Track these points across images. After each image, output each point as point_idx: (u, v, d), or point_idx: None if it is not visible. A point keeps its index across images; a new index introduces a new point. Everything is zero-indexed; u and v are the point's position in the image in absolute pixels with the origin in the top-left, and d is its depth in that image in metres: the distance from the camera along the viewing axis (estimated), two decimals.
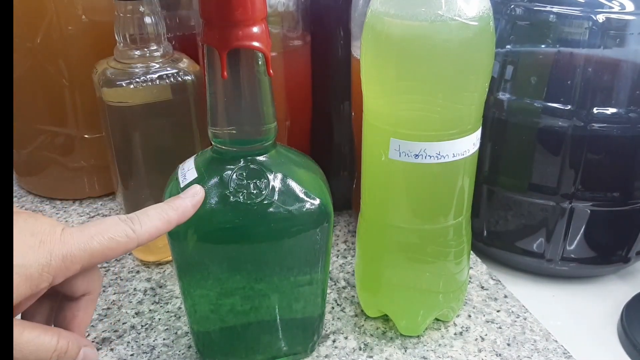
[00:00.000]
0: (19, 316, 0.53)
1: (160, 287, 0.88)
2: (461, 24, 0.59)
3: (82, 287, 0.56)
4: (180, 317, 0.81)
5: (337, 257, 0.95)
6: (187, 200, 0.58)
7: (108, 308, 0.83)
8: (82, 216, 1.06)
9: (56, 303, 0.58)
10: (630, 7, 0.78)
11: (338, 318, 0.81)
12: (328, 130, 1.00)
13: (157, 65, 0.81)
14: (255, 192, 0.61)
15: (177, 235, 0.62)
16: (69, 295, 0.57)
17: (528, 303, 0.84)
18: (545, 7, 0.80)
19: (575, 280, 0.94)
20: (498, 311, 0.83)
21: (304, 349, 0.74)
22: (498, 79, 0.85)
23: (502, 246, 0.95)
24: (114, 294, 0.86)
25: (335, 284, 0.88)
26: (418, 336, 0.78)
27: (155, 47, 0.81)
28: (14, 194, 1.13)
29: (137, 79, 0.79)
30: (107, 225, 0.52)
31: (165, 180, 0.67)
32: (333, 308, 0.83)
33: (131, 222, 0.53)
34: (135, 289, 0.87)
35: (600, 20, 0.77)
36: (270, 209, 0.61)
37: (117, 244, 0.51)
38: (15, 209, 0.52)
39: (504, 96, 0.85)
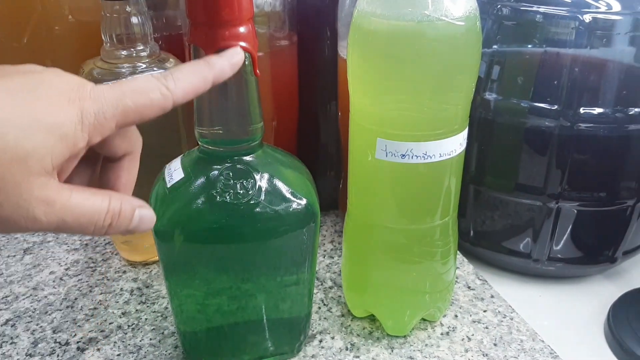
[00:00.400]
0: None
1: (147, 287, 0.88)
2: (448, 24, 0.59)
3: (122, 146, 0.55)
4: (166, 317, 0.81)
5: (324, 257, 0.95)
6: (224, 59, 0.55)
7: (94, 308, 0.83)
8: None
9: (97, 166, 0.57)
10: (616, 7, 0.78)
11: (325, 318, 0.81)
12: (315, 130, 1.00)
13: (144, 65, 0.81)
14: (242, 192, 0.61)
15: (163, 235, 0.62)
16: (110, 157, 0.56)
17: (515, 303, 0.85)
18: (531, 7, 0.81)
19: (562, 280, 0.95)
20: (485, 311, 0.83)
21: (291, 349, 0.74)
22: (485, 79, 0.85)
23: (489, 246, 0.95)
24: (101, 293, 0.86)
25: (321, 284, 0.88)
26: (405, 336, 0.78)
27: (142, 47, 0.81)
28: None
29: (124, 79, 0.79)
30: (140, 82, 0.50)
31: (151, 181, 0.66)
32: (320, 308, 0.83)
33: (164, 79, 0.51)
34: (121, 289, 0.87)
35: (587, 20, 0.77)
36: (257, 209, 0.61)
37: (151, 101, 0.49)
38: (40, 69, 0.50)
39: (490, 96, 0.85)
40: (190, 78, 0.52)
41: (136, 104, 0.48)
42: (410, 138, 0.64)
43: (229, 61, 0.55)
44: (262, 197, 0.61)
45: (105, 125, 0.48)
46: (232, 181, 0.61)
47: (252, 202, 0.61)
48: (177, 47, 0.91)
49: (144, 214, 0.53)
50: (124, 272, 0.91)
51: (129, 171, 0.57)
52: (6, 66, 0.49)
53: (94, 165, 0.57)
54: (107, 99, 0.47)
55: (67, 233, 0.52)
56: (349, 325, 0.80)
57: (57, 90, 0.47)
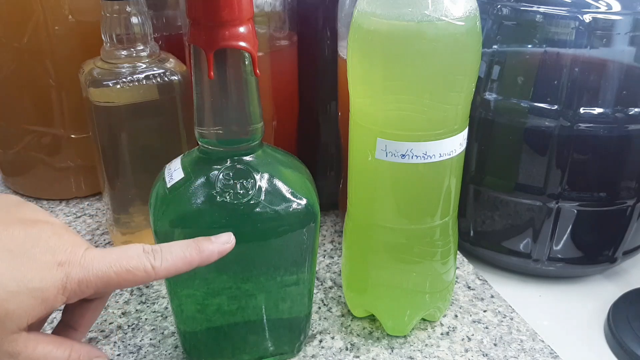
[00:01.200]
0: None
1: (147, 287, 0.87)
2: (448, 24, 0.59)
3: (99, 293, 0.56)
4: (167, 317, 0.81)
5: (324, 257, 0.95)
6: (215, 246, 0.56)
7: None
8: (68, 216, 1.06)
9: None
10: (616, 7, 0.78)
11: (325, 318, 0.81)
12: (315, 130, 1.00)
13: (144, 65, 0.81)
14: (241, 192, 0.61)
15: (163, 235, 0.62)
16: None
17: (515, 303, 0.85)
18: (531, 7, 0.81)
19: (562, 280, 0.95)
20: (485, 311, 0.83)
21: (291, 349, 0.74)
22: (485, 79, 0.85)
23: (489, 246, 0.95)
24: None
25: (321, 284, 0.88)
26: (405, 336, 0.78)
27: (142, 47, 0.81)
28: (0, 193, 1.13)
29: (124, 79, 0.79)
30: (129, 255, 0.51)
31: (151, 180, 0.66)
32: (320, 308, 0.83)
33: (153, 257, 0.52)
34: (121, 289, 0.87)
35: (587, 20, 0.77)
36: (257, 209, 0.61)
37: (133, 277, 0.51)
38: (42, 216, 0.52)
39: (490, 96, 0.85)
40: (177, 261, 0.54)
41: (119, 277, 0.50)
42: (410, 138, 0.64)
43: (218, 249, 0.57)
44: (262, 197, 0.61)
45: (85, 292, 0.50)
46: (232, 181, 0.61)
47: (252, 202, 0.61)
48: (177, 47, 0.91)
49: None
50: None
51: (94, 311, 0.59)
52: (11, 203, 0.54)
53: None
54: (94, 269, 0.50)
55: None
56: (349, 325, 0.80)
57: (51, 252, 0.49)
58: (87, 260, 0.49)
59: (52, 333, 0.58)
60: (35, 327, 0.52)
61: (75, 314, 0.58)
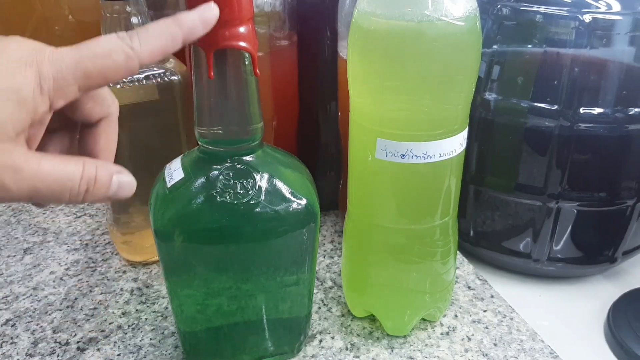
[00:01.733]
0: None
1: (147, 287, 0.88)
2: (448, 24, 0.59)
3: (96, 110, 0.54)
4: (167, 317, 0.81)
5: (324, 257, 0.95)
6: (195, 15, 0.52)
7: (95, 308, 0.83)
8: (68, 216, 1.06)
9: (75, 135, 0.56)
10: (616, 7, 0.78)
11: (325, 318, 0.81)
12: (315, 130, 1.00)
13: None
14: (241, 192, 0.61)
15: (163, 235, 0.62)
16: (86, 122, 0.54)
17: (515, 303, 0.85)
18: (531, 7, 0.81)
19: (562, 280, 0.95)
20: (485, 311, 0.83)
21: (291, 349, 0.74)
22: (485, 79, 0.85)
23: (489, 246, 0.95)
24: (101, 293, 0.86)
25: (321, 284, 0.88)
26: (405, 336, 0.78)
27: None
28: None
29: (124, 79, 0.79)
30: (102, 43, 0.47)
31: (152, 181, 0.66)
32: (320, 308, 0.83)
33: (129, 38, 0.48)
34: (122, 289, 0.87)
35: (587, 20, 0.77)
36: (257, 209, 0.61)
37: (114, 62, 0.47)
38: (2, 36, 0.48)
39: (490, 96, 0.85)
40: (158, 37, 0.50)
41: (97, 65, 0.47)
42: (410, 138, 0.64)
43: (200, 17, 0.52)
44: (262, 197, 0.61)
45: (66, 89, 0.47)
46: (232, 181, 0.61)
47: (252, 202, 0.61)
48: None
49: (123, 179, 0.52)
50: (124, 272, 0.91)
51: (106, 135, 0.56)
52: None
53: (70, 133, 0.56)
54: (65, 62, 0.46)
55: (42, 202, 0.50)
56: (349, 325, 0.80)
57: (14, 56, 0.46)
58: (56, 56, 0.46)
59: None
60: (34, 143, 0.51)
61: (88, 143, 0.55)
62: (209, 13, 0.53)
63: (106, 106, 0.55)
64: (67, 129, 0.55)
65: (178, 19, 0.51)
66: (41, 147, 0.52)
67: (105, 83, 0.48)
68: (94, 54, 0.47)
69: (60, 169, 0.47)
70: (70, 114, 0.51)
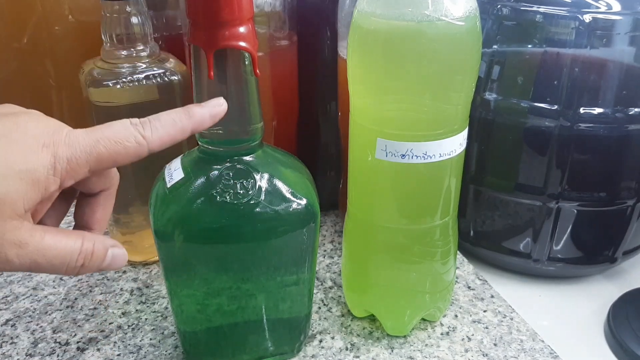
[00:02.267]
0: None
1: (147, 287, 0.88)
2: (448, 24, 0.59)
3: (99, 184, 0.56)
4: (166, 317, 0.81)
5: (324, 257, 0.95)
6: (205, 110, 0.55)
7: (95, 308, 0.83)
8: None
9: (73, 200, 0.58)
10: (616, 7, 0.78)
11: (325, 318, 0.81)
12: (315, 130, 1.00)
13: (144, 65, 0.81)
14: (241, 192, 0.61)
15: (163, 235, 0.62)
16: (86, 193, 0.56)
17: (515, 303, 0.85)
18: (531, 7, 0.81)
19: (562, 280, 0.95)
20: (485, 311, 0.83)
21: (291, 349, 0.74)
22: (485, 79, 0.85)
23: (489, 246, 0.95)
24: (101, 293, 0.86)
25: (322, 284, 0.88)
26: (405, 336, 0.78)
27: (141, 47, 0.81)
28: None
29: (124, 79, 0.79)
30: (116, 129, 0.50)
31: (151, 181, 0.67)
32: (320, 308, 0.83)
33: (142, 126, 0.51)
34: (122, 289, 0.87)
35: (587, 20, 0.77)
36: (257, 209, 0.61)
37: (125, 149, 0.50)
38: (17, 109, 0.51)
39: (490, 96, 0.85)
40: (168, 128, 0.53)
41: (110, 151, 0.49)
42: (410, 138, 0.64)
43: (210, 112, 0.56)
44: (262, 197, 0.61)
45: (77, 171, 0.48)
46: (232, 181, 0.61)
47: (252, 202, 0.61)
48: (177, 47, 0.91)
49: (117, 253, 0.54)
50: (124, 272, 0.91)
51: (104, 207, 0.58)
52: None
53: (70, 199, 0.58)
54: (81, 145, 0.48)
55: (38, 273, 0.53)
56: (349, 325, 0.80)
57: (32, 135, 0.47)
58: (72, 139, 0.48)
59: None
60: (39, 215, 0.52)
61: (85, 213, 0.57)
62: (218, 109, 0.57)
63: (109, 180, 0.57)
64: (67, 195, 0.57)
65: (189, 111, 0.54)
66: (40, 211, 0.54)
67: (113, 166, 0.51)
68: (108, 139, 0.49)
69: (62, 244, 0.49)
70: (74, 184, 0.52)
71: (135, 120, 0.51)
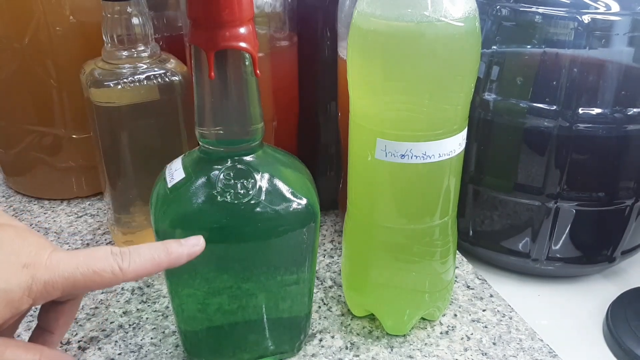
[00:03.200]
0: None
1: (148, 286, 0.88)
2: (447, 24, 0.59)
3: (68, 295, 0.56)
4: (167, 316, 0.81)
5: (324, 257, 0.95)
6: (184, 249, 0.56)
7: (96, 307, 0.83)
8: (69, 216, 1.06)
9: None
10: (615, 7, 0.78)
11: (325, 317, 0.81)
12: (315, 130, 1.00)
13: (145, 66, 0.81)
14: (242, 192, 0.61)
15: (164, 235, 0.62)
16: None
17: (514, 302, 0.85)
18: (530, 7, 0.81)
19: (561, 280, 0.95)
20: (484, 310, 0.83)
21: (291, 348, 0.75)
22: (484, 80, 0.85)
23: (488, 246, 0.95)
24: (102, 293, 0.86)
25: (321, 284, 0.88)
26: (404, 335, 0.78)
27: (142, 48, 0.81)
28: (3, 194, 1.13)
29: (125, 80, 0.80)
30: (96, 257, 0.51)
31: (152, 180, 0.67)
32: (320, 307, 0.83)
33: (121, 258, 0.52)
34: (122, 288, 0.87)
35: (586, 21, 0.78)
36: (257, 209, 0.61)
37: (101, 278, 0.51)
38: (4, 220, 0.52)
39: (489, 96, 0.85)
40: (145, 263, 0.53)
41: (86, 279, 0.50)
42: (410, 138, 0.64)
43: (187, 252, 0.56)
44: (263, 197, 0.61)
45: (51, 293, 0.49)
46: (232, 181, 0.61)
47: (252, 202, 0.61)
48: (178, 48, 0.91)
49: None
50: None
51: (69, 314, 0.59)
52: None
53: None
54: (60, 270, 0.49)
55: None
56: (349, 324, 0.80)
57: (14, 254, 0.49)
58: (53, 262, 0.49)
59: (30, 338, 0.59)
60: (6, 332, 0.53)
61: (49, 317, 0.58)
62: (196, 248, 0.57)
63: (78, 290, 0.57)
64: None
65: (168, 248, 0.55)
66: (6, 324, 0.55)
67: (84, 291, 0.54)
68: (87, 267, 0.50)
69: (20, 359, 0.50)
70: None
71: (116, 250, 0.52)
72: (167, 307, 0.83)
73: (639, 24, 0.78)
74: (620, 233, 0.90)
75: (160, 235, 0.63)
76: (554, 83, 0.81)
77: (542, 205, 0.86)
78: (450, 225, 0.74)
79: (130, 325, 0.80)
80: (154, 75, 0.81)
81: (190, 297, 0.67)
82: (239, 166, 0.62)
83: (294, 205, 0.63)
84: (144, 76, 0.81)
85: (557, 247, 0.90)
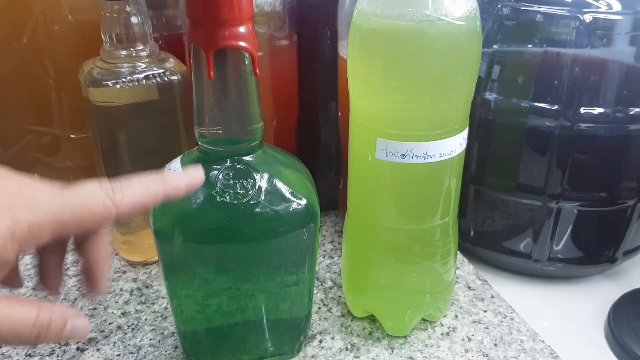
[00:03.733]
0: None
1: (147, 287, 0.87)
2: (448, 23, 0.59)
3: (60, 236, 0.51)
4: (166, 317, 0.81)
5: (324, 258, 0.95)
6: (182, 179, 0.53)
7: (94, 308, 0.83)
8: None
9: (65, 247, 0.56)
10: (617, 6, 0.78)
11: (325, 318, 0.81)
12: (315, 130, 1.00)
13: (144, 65, 0.81)
14: (241, 192, 0.61)
15: (163, 235, 0.62)
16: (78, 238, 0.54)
17: (515, 303, 0.85)
18: (532, 7, 0.81)
19: (562, 281, 0.95)
20: (485, 311, 0.83)
21: (291, 350, 0.74)
22: (485, 79, 0.85)
23: (489, 246, 0.95)
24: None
25: (321, 284, 0.88)
26: (405, 336, 0.78)
27: (141, 47, 0.81)
28: None
29: (124, 79, 0.79)
30: (85, 193, 0.48)
31: None
32: (320, 308, 0.83)
33: (112, 191, 0.48)
34: (121, 289, 0.87)
35: (587, 20, 0.77)
36: (257, 209, 0.61)
37: (92, 214, 0.47)
38: None
39: (491, 96, 0.85)
40: (140, 193, 0.50)
41: (76, 216, 0.47)
42: (411, 138, 0.64)
43: (186, 182, 0.53)
44: (262, 197, 0.61)
45: (38, 236, 0.46)
46: (232, 181, 0.61)
47: (252, 202, 0.61)
48: (177, 47, 0.91)
49: (78, 324, 0.49)
50: (124, 272, 0.91)
51: (101, 245, 0.55)
52: None
53: (62, 248, 0.56)
54: (44, 211, 0.46)
55: None
56: (349, 325, 0.80)
57: None
58: (36, 203, 0.46)
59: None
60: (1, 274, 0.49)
61: (89, 254, 0.54)
62: (196, 180, 0.54)
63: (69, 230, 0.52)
64: (58, 244, 0.55)
65: (164, 178, 0.52)
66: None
67: (77, 231, 0.49)
68: (75, 205, 0.47)
69: (14, 316, 0.45)
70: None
71: (107, 184, 0.49)
72: (166, 308, 0.83)
73: None
74: (622, 233, 0.90)
75: (159, 236, 0.63)
76: (556, 82, 0.80)
77: (543, 205, 0.86)
78: (451, 226, 0.74)
79: (129, 326, 0.80)
80: (152, 74, 0.81)
81: (189, 297, 0.67)
82: (238, 166, 0.61)
83: (294, 205, 0.63)
84: (142, 75, 0.80)
85: (559, 247, 0.89)
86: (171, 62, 0.84)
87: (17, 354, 0.75)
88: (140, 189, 0.50)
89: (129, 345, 0.77)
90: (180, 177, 0.53)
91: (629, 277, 0.97)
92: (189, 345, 0.72)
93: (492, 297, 0.86)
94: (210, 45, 0.55)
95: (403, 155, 0.65)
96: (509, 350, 0.76)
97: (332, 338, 0.78)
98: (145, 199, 0.50)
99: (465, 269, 0.93)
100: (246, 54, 0.57)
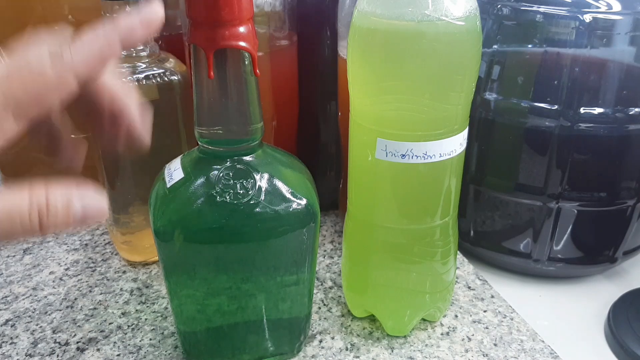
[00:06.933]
0: None
1: (147, 287, 0.87)
2: (448, 23, 0.59)
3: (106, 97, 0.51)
4: (166, 317, 0.81)
5: (324, 257, 0.95)
6: (134, 17, 0.48)
7: (94, 308, 0.83)
8: None
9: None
10: (617, 7, 0.78)
11: (325, 318, 0.81)
12: (315, 130, 1.00)
13: (144, 65, 0.81)
14: (241, 192, 0.61)
15: (163, 235, 0.62)
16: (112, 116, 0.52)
17: (515, 303, 0.85)
18: (532, 7, 0.81)
19: (562, 281, 0.95)
20: (485, 311, 0.83)
21: (291, 349, 0.74)
22: (485, 79, 0.85)
23: (489, 246, 0.95)
24: (100, 294, 0.86)
25: (321, 284, 0.88)
26: (405, 336, 0.78)
27: (141, 47, 0.81)
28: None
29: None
30: (30, 59, 0.43)
31: (151, 181, 0.66)
32: (320, 308, 0.83)
33: (60, 50, 0.43)
34: (121, 289, 0.87)
35: (587, 20, 0.77)
36: (257, 209, 0.61)
37: (45, 82, 0.43)
38: None
39: (490, 96, 0.85)
40: (91, 43, 0.45)
41: (29, 90, 0.43)
42: (410, 138, 0.64)
43: (139, 18, 0.49)
44: (262, 197, 0.61)
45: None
46: (232, 181, 0.61)
47: (252, 202, 0.61)
48: (177, 47, 0.90)
49: (88, 203, 0.46)
50: (124, 272, 0.91)
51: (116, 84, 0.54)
52: None
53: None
54: None
55: None
56: (349, 325, 0.80)
57: None
58: None
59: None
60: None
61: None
62: (152, 15, 0.50)
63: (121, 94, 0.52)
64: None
65: (114, 21, 0.47)
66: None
67: (44, 109, 0.44)
68: (24, 75, 0.43)
69: (7, 202, 0.42)
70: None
71: (54, 47, 0.44)
72: (166, 308, 0.83)
73: None
74: (622, 233, 0.90)
75: (159, 236, 0.63)
76: (555, 82, 0.80)
77: (543, 205, 0.86)
78: (451, 226, 0.74)
79: (129, 326, 0.80)
80: (153, 74, 0.81)
81: (190, 297, 0.67)
82: (238, 166, 0.61)
83: (294, 205, 0.63)
84: (142, 75, 0.80)
85: (559, 247, 0.89)
86: (171, 62, 0.84)
87: (17, 353, 0.75)
88: (92, 40, 0.45)
89: (129, 345, 0.77)
90: (133, 15, 0.48)
91: (629, 277, 0.97)
92: (189, 345, 0.72)
93: (492, 297, 0.86)
94: (210, 46, 0.55)
95: (403, 155, 0.65)
96: (509, 350, 0.76)
97: (332, 338, 0.78)
98: (99, 48, 0.45)
99: (465, 269, 0.93)
100: (246, 54, 0.57)
